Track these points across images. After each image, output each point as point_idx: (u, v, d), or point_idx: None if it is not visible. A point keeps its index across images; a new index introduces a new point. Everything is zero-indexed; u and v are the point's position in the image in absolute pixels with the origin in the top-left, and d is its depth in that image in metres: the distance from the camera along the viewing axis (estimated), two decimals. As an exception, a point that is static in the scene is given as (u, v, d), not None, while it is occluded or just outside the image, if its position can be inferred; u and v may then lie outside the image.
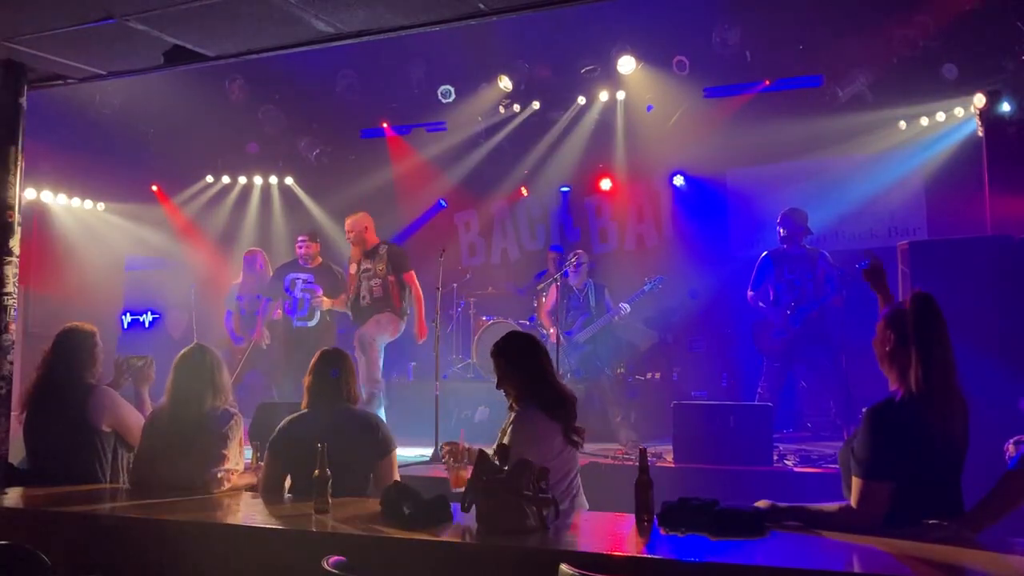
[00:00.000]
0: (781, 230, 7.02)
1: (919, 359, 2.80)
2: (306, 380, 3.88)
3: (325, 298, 7.27)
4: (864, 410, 2.87)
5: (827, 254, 6.99)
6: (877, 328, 3.00)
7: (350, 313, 7.19)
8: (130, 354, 4.72)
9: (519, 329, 4.14)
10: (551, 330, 7.74)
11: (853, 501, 2.81)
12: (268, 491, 3.72)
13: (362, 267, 6.99)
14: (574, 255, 7.80)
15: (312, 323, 7.21)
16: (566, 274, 7.71)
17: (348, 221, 7.17)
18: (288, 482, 3.76)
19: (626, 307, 7.54)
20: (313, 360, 3.92)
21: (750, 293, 7.09)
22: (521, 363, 3.71)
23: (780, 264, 6.93)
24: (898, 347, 2.89)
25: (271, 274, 8.02)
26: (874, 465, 2.77)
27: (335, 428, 3.61)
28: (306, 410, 3.83)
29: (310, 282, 7.22)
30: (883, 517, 2.74)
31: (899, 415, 2.81)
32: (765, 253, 7.09)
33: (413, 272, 7.03)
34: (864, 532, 2.70)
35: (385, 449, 3.76)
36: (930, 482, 2.77)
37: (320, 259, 7.58)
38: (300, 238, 7.58)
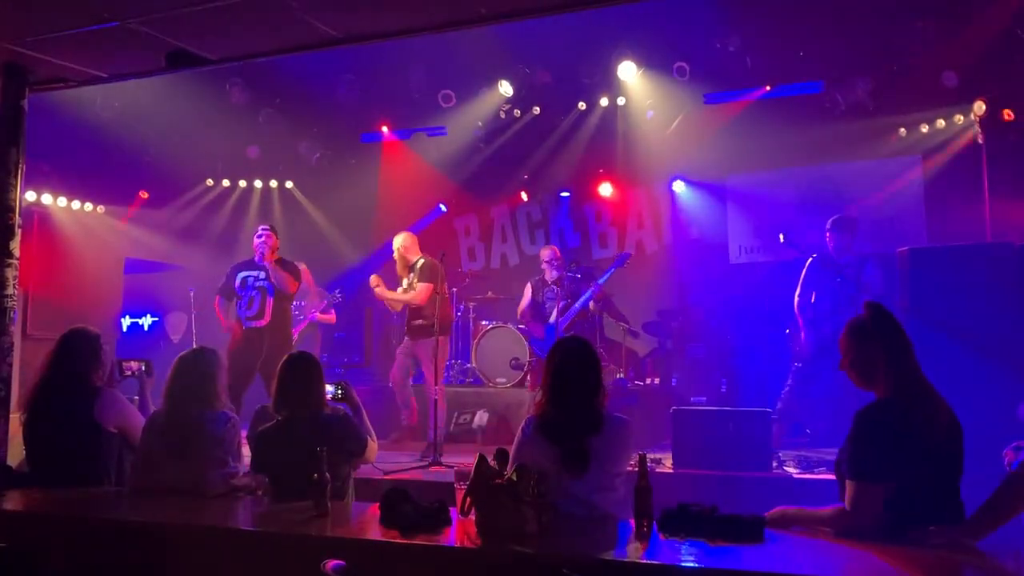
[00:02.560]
0: (828, 236, 6.95)
1: (887, 362, 2.91)
2: (274, 386, 3.85)
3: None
4: (854, 414, 2.90)
5: (874, 259, 6.84)
6: (840, 347, 3.07)
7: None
8: (127, 358, 4.72)
9: (575, 335, 3.75)
10: (530, 326, 7.79)
11: (847, 504, 2.83)
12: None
13: (408, 283, 7.25)
14: (546, 249, 7.86)
15: (263, 322, 6.92)
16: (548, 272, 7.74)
17: (395, 240, 7.31)
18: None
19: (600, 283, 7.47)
20: (280, 365, 3.89)
21: (796, 299, 7.01)
22: (543, 369, 3.46)
23: (826, 270, 6.82)
24: (866, 357, 2.98)
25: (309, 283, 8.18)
26: (866, 467, 2.81)
27: (310, 436, 3.57)
28: (277, 418, 3.81)
29: (263, 279, 7.04)
30: (877, 520, 2.74)
31: (886, 416, 2.85)
32: (812, 257, 6.96)
33: (430, 285, 6.99)
34: (859, 535, 2.71)
35: (362, 447, 3.80)
36: (925, 486, 2.77)
37: (276, 255, 7.18)
38: (264, 229, 7.14)
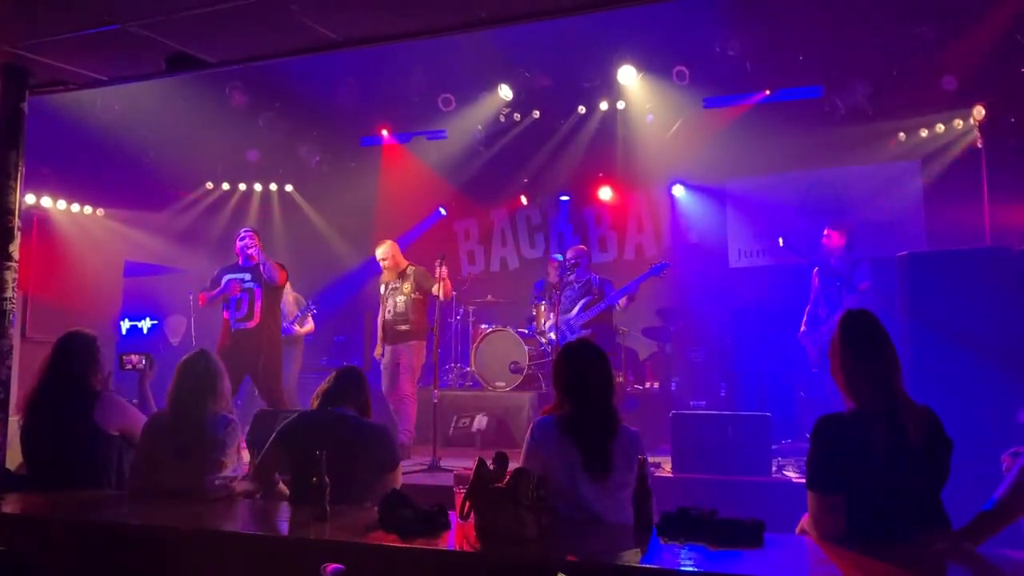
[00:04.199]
0: (823, 241, 7.05)
1: (847, 375, 2.88)
2: (322, 387, 3.92)
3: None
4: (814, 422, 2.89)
5: (866, 263, 6.91)
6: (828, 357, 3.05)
7: (379, 328, 7.36)
8: (128, 351, 4.73)
9: (586, 340, 3.74)
10: (550, 316, 7.76)
11: (809, 514, 2.85)
12: (260, 474, 3.83)
13: (390, 286, 7.34)
14: (572, 249, 7.85)
15: (253, 323, 6.86)
16: (563, 272, 7.71)
17: (382, 250, 7.36)
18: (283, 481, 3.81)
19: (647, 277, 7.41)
20: (333, 372, 3.99)
21: (808, 307, 7.10)
22: (558, 371, 3.48)
23: (821, 277, 6.98)
24: (834, 366, 2.96)
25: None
26: (816, 477, 2.82)
27: (346, 437, 3.64)
28: (327, 409, 3.85)
29: (250, 281, 6.93)
30: (839, 529, 2.73)
31: (840, 429, 2.82)
32: (816, 267, 7.12)
33: (436, 283, 7.12)
34: (827, 543, 2.72)
35: (393, 463, 3.81)
36: (896, 498, 2.73)
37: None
38: (247, 231, 7.15)
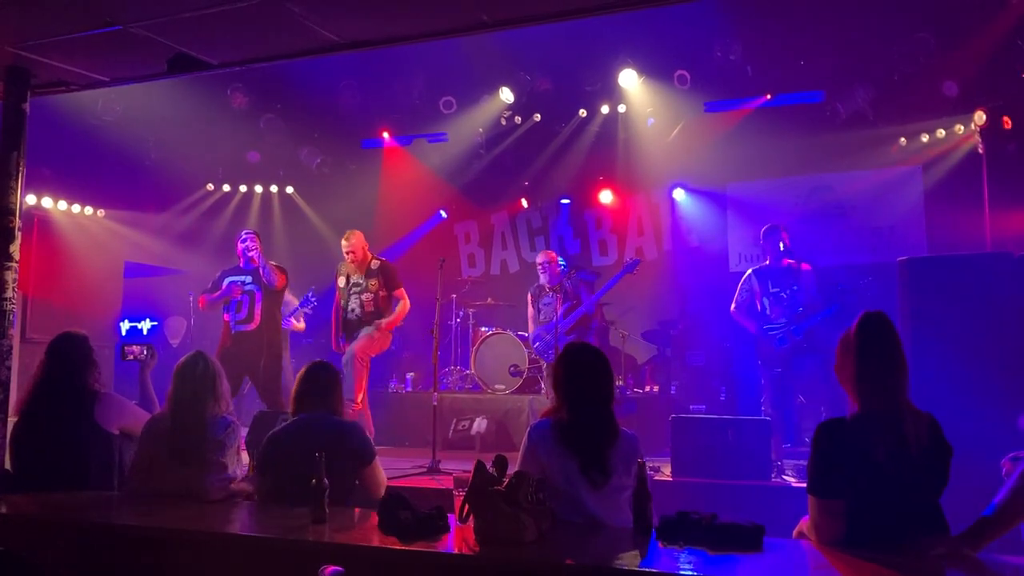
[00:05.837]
0: (765, 244, 6.96)
1: (857, 378, 2.85)
2: (294, 390, 3.89)
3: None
4: (816, 426, 2.88)
5: (810, 268, 6.86)
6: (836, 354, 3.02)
7: (339, 325, 7.12)
8: (130, 342, 4.74)
9: (586, 344, 3.68)
10: (533, 329, 7.72)
11: (808, 518, 2.84)
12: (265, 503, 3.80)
13: (352, 281, 7.09)
14: (540, 254, 7.75)
15: (253, 326, 6.86)
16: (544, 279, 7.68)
17: (351, 240, 7.06)
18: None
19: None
20: (301, 371, 3.95)
21: (732, 308, 7.00)
22: (557, 375, 3.42)
23: (764, 279, 6.85)
24: (841, 367, 2.93)
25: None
26: (818, 482, 2.80)
27: (317, 438, 3.58)
28: (288, 421, 3.84)
29: (250, 283, 6.92)
30: (838, 533, 2.73)
31: (844, 433, 2.81)
32: (749, 271, 6.99)
33: (402, 288, 7.08)
34: (827, 547, 2.71)
35: (367, 457, 3.77)
36: (895, 503, 2.73)
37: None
38: (248, 233, 7.11)
